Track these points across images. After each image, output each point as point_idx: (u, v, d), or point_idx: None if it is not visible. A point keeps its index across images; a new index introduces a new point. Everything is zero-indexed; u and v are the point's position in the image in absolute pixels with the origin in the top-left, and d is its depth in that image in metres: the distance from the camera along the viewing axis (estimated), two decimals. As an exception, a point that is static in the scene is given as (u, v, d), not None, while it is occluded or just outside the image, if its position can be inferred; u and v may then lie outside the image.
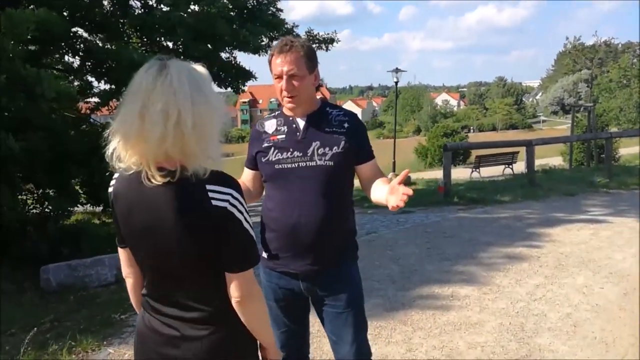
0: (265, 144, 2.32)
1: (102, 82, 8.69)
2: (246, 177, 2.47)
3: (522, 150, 18.40)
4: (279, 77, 2.22)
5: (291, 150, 2.26)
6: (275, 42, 2.28)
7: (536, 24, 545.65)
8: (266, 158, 2.30)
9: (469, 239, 7.13)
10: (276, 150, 2.28)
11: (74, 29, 8.43)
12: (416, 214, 9.11)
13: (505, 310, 4.60)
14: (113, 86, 8.39)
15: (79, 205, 8.35)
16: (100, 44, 8.38)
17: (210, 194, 1.48)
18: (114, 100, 8.29)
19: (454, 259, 6.18)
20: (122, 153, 1.49)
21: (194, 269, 1.55)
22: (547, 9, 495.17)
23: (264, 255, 2.37)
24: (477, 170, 19.56)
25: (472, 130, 72.30)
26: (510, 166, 19.82)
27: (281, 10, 11.10)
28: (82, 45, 8.64)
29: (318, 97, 2.40)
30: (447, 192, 10.38)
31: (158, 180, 1.47)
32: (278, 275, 2.36)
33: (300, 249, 2.27)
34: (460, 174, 17.55)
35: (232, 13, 9.92)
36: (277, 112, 2.40)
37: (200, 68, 1.57)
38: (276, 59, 2.21)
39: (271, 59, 2.25)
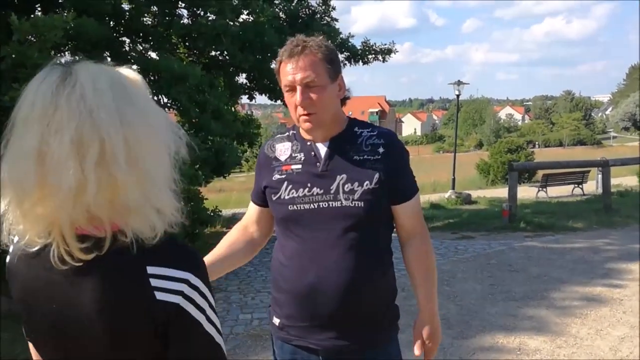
0: (277, 176, 1.73)
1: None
2: (251, 216, 1.90)
3: (593, 168, 17.15)
4: (291, 88, 1.62)
5: (309, 185, 1.68)
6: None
7: (607, 35, 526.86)
8: (277, 196, 1.72)
9: (539, 274, 6.26)
10: (290, 186, 1.70)
11: (120, 39, 8.20)
12: (477, 241, 8.28)
13: (586, 373, 3.81)
14: (155, 98, 8.05)
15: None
16: (144, 53, 8.06)
17: (154, 282, 0.89)
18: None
19: (522, 300, 5.37)
20: (16, 218, 0.90)
21: None
22: (619, 19, 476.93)
23: (275, 321, 1.78)
24: (544, 189, 18.25)
25: (537, 146, 69.41)
26: (580, 186, 18.41)
27: (336, 20, 10.63)
28: (128, 56, 8.40)
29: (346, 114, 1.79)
30: (512, 217, 9.47)
31: (79, 256, 0.88)
32: (293, 350, 1.77)
33: (320, 319, 1.68)
34: (525, 192, 16.32)
35: (284, 23, 9.49)
36: (291, 132, 1.80)
37: (129, 72, 0.98)
38: (285, 65, 1.63)
39: (279, 67, 1.66)
